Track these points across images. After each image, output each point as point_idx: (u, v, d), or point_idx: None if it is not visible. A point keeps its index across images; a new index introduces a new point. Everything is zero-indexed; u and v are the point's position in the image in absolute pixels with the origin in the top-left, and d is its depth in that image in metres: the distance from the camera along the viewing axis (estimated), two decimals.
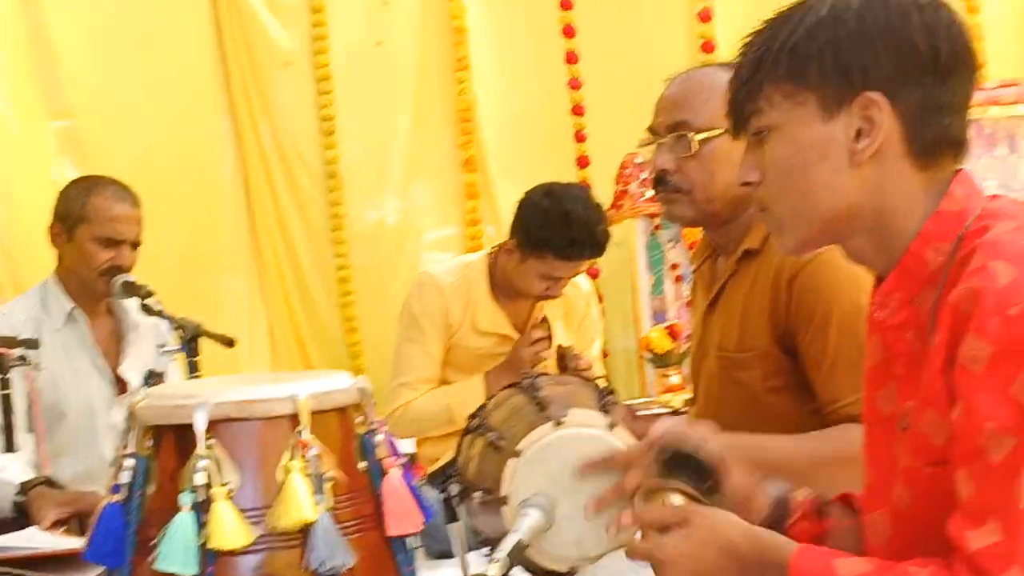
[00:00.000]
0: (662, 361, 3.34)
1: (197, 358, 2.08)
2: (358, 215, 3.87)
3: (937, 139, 1.17)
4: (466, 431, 1.61)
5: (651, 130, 1.70)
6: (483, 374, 2.55)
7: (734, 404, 1.67)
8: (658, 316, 3.60)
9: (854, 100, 1.15)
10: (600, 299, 3.90)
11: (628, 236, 3.64)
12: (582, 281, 2.74)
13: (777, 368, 1.64)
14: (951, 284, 1.11)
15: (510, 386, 1.65)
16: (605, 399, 1.54)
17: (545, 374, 1.73)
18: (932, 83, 1.16)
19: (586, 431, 1.41)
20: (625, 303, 3.78)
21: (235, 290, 3.78)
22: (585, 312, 2.74)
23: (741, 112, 1.21)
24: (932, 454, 1.10)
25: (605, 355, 3.91)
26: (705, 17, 3.75)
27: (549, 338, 2.54)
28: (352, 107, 3.83)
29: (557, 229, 2.42)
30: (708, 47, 3.78)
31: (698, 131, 1.64)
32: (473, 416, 1.61)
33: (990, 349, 1.05)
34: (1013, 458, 1.03)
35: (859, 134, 1.15)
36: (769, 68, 1.17)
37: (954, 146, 1.19)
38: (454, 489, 1.54)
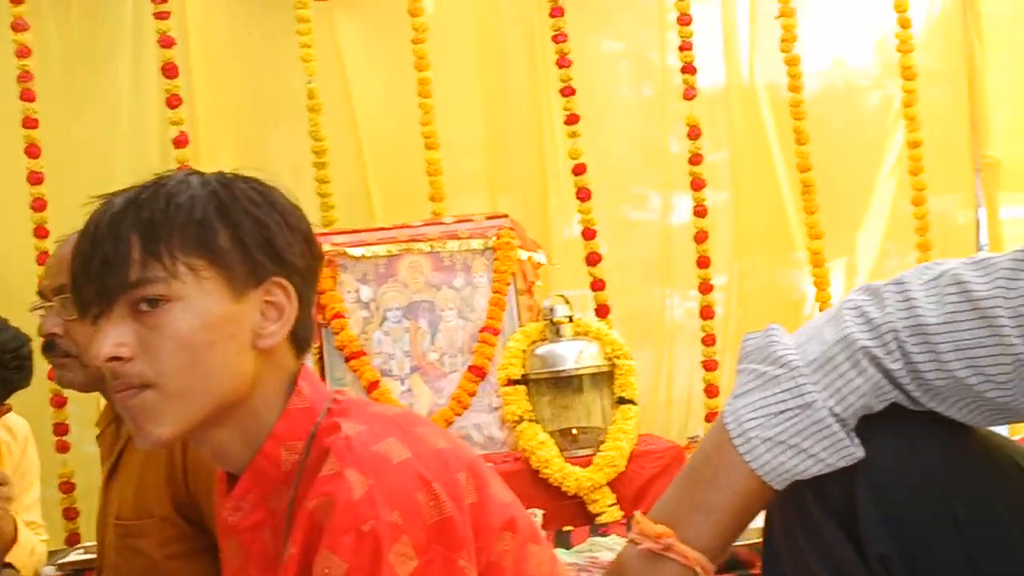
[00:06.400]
0: None
1: None
2: None
3: (308, 333, 1.27)
4: None
5: (40, 293, 1.71)
6: None
7: (134, 574, 1.69)
8: None
9: (265, 283, 1.19)
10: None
11: None
12: (17, 423, 2.68)
13: (177, 534, 1.69)
14: (306, 483, 1.15)
15: None
16: None
17: None
18: (313, 282, 1.26)
19: None
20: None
21: None
22: (21, 455, 2.67)
23: (120, 280, 1.15)
24: None
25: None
26: (174, 103, 3.77)
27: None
28: None
29: None
30: (181, 141, 3.78)
31: None
32: None
33: (344, 566, 1.06)
34: None
35: (264, 318, 1.19)
36: (172, 237, 1.15)
37: (311, 341, 1.28)
38: None
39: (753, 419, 1.19)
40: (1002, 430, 3.78)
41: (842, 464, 1.18)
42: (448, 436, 1.27)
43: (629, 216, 4.44)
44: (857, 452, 1.18)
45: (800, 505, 1.19)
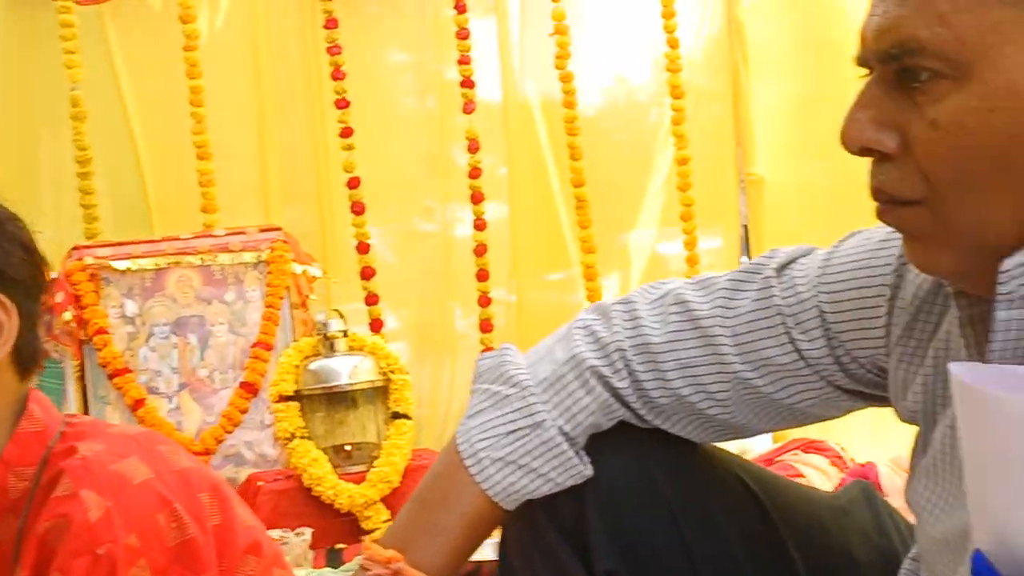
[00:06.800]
0: None
1: None
2: None
3: (35, 352, 1.20)
4: None
5: None
6: None
7: None
8: None
9: None
10: None
11: None
12: None
13: None
14: (36, 510, 1.11)
15: None
16: None
17: None
18: (37, 296, 1.20)
19: None
20: None
21: None
22: None
23: None
24: None
25: None
26: None
27: None
28: None
29: None
30: None
31: None
32: None
33: None
34: None
35: None
36: None
37: (39, 360, 1.23)
38: None
39: (484, 439, 1.19)
40: (767, 439, 3.88)
41: (571, 483, 1.19)
42: (191, 457, 1.25)
43: (418, 228, 4.43)
44: (586, 471, 1.20)
45: (532, 524, 1.20)
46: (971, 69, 0.88)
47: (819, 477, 2.92)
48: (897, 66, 0.92)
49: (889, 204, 0.96)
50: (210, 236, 3.48)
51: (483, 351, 4.08)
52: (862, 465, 2.99)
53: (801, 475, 2.96)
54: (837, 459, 3.08)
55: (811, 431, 3.21)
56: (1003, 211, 0.91)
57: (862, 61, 0.97)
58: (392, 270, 4.13)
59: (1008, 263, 0.90)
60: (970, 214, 0.92)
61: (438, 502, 1.18)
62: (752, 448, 3.42)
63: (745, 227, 4.30)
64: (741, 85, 4.22)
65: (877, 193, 0.96)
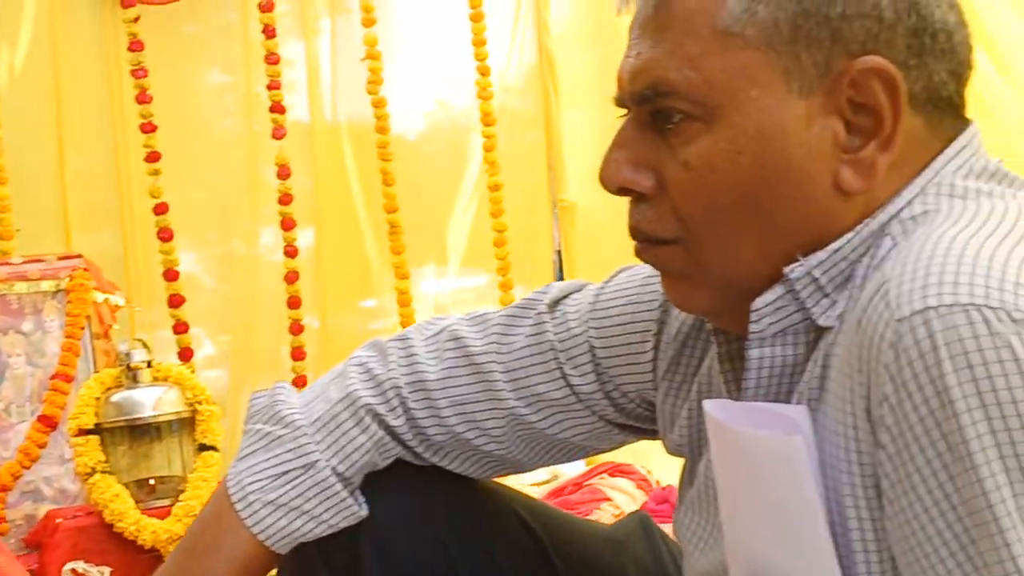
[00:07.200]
0: None
1: None
2: None
3: None
4: None
5: None
6: None
7: None
8: None
9: None
10: None
11: None
12: None
13: None
14: None
15: None
16: None
17: None
18: None
19: None
20: None
21: None
22: None
23: None
24: None
25: None
26: None
27: None
28: None
29: None
30: None
31: None
32: None
33: None
34: None
35: None
36: None
37: None
38: None
39: (254, 482, 1.16)
40: (580, 464, 3.91)
41: (345, 524, 1.17)
42: None
43: (237, 252, 4.33)
44: (360, 511, 1.17)
45: (307, 567, 1.18)
46: (720, 112, 0.90)
47: (625, 500, 2.96)
48: (651, 107, 0.93)
49: (646, 243, 0.97)
50: (6, 264, 3.34)
51: (294, 379, 4.02)
52: (664, 488, 3.04)
53: (608, 498, 2.98)
54: (643, 482, 3.12)
55: (619, 455, 3.24)
56: (753, 251, 0.92)
57: (619, 102, 0.98)
58: (211, 295, 4.03)
59: (758, 302, 0.91)
60: (722, 254, 0.93)
61: (207, 548, 1.14)
62: (565, 472, 3.44)
63: (559, 253, 4.34)
64: (552, 112, 4.27)
65: (635, 232, 0.97)
